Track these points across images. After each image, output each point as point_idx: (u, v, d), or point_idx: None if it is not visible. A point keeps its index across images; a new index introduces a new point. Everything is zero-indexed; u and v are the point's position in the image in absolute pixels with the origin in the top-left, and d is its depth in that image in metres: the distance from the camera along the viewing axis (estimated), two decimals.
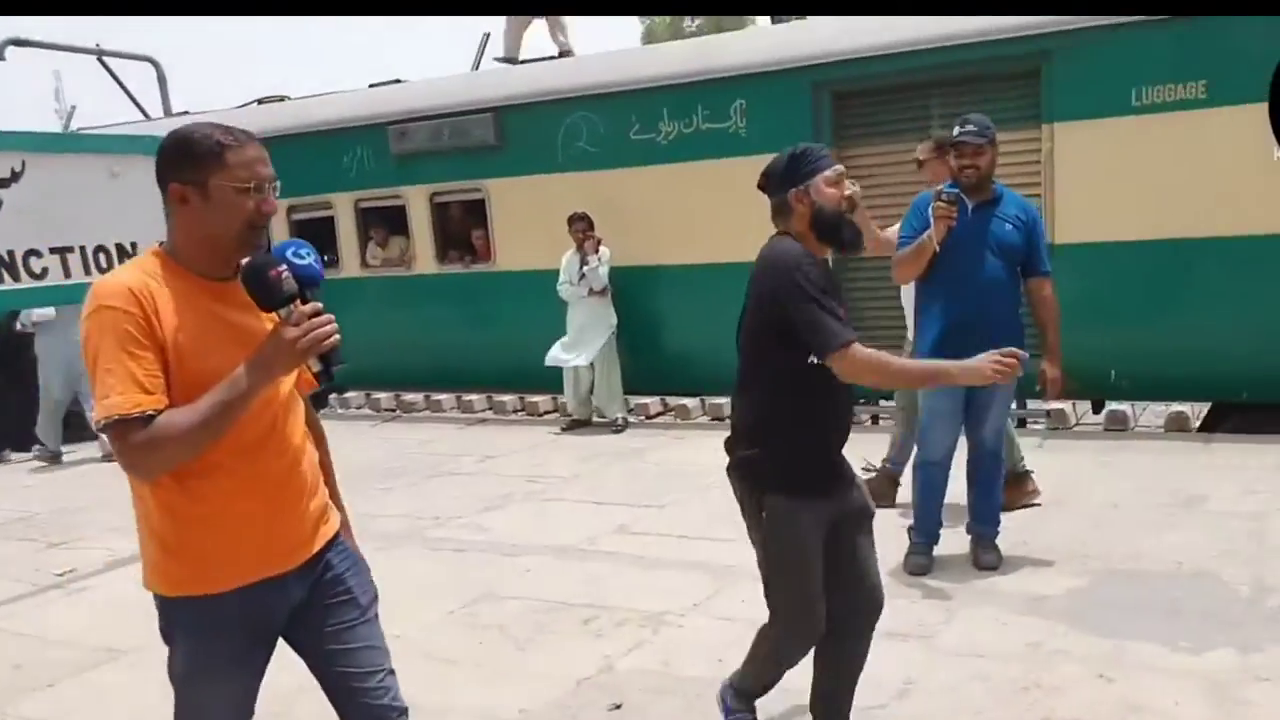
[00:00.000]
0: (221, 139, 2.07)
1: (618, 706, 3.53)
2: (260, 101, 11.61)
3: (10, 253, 5.23)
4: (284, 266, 1.99)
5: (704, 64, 8.07)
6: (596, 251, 8.10)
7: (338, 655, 2.26)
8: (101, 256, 5.63)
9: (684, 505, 5.77)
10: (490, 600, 4.60)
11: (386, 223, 10.15)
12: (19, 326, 9.07)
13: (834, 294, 2.72)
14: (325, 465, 2.41)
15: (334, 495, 2.41)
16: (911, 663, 3.64)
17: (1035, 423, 7.31)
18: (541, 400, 9.56)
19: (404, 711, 2.32)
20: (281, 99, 11.45)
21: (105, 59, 13.98)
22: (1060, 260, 6.88)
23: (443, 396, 10.12)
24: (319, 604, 2.24)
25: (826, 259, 2.89)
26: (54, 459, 8.83)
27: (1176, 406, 7.19)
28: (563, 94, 8.73)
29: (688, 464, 6.79)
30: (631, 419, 8.58)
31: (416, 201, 9.68)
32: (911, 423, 5.29)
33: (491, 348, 9.40)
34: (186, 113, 13.24)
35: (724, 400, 8.63)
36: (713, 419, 8.61)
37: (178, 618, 2.14)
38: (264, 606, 2.17)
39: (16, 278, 5.27)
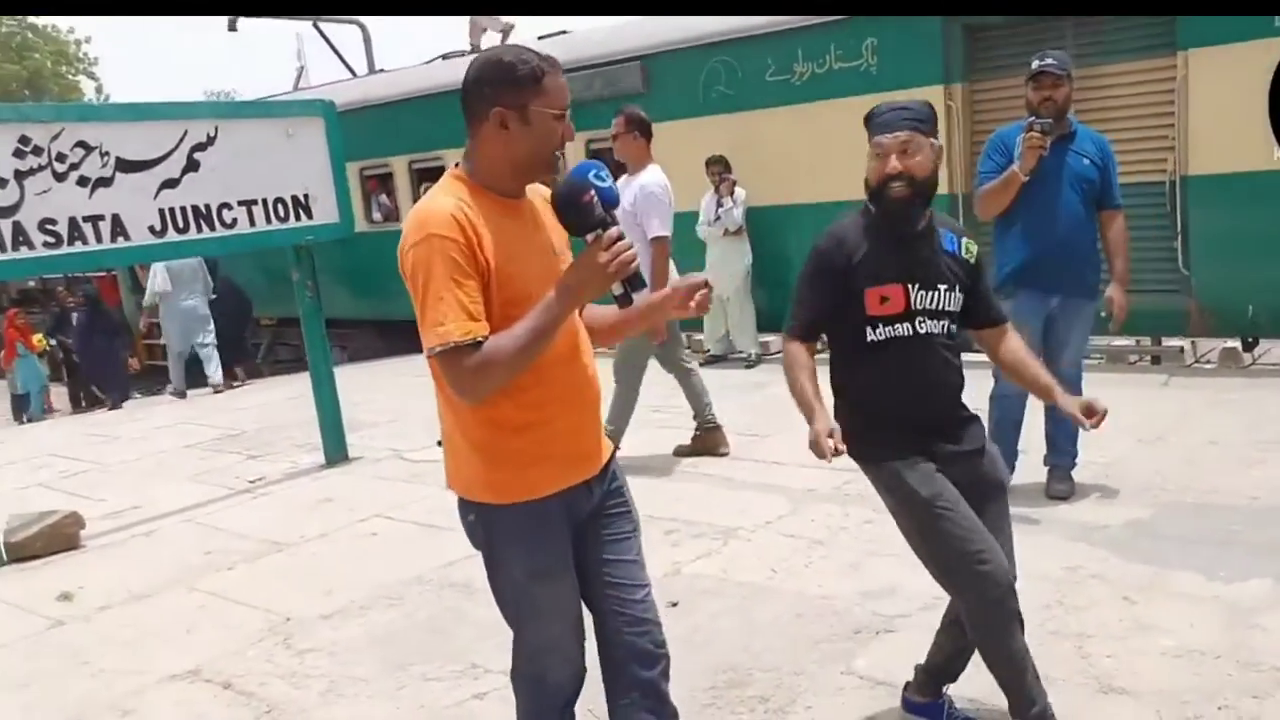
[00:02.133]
0: (539, 64, 2.09)
1: (674, 604, 3.93)
2: (444, 56, 12.38)
3: (207, 206, 6.00)
4: (593, 191, 2.03)
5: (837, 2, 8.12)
6: (732, 193, 8.39)
7: (610, 565, 2.30)
8: (280, 207, 6.35)
9: (785, 435, 6.02)
10: None
11: None
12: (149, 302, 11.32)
13: (842, 278, 2.58)
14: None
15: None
16: None
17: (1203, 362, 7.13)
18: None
19: (660, 628, 2.36)
20: (464, 53, 12.21)
21: (320, 24, 15.09)
22: (1195, 192, 6.72)
23: None
24: (603, 512, 2.31)
25: (896, 228, 2.64)
26: (181, 396, 10.66)
27: None
28: (703, 40, 8.98)
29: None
30: (770, 356, 8.87)
31: (576, 147, 10.17)
32: (633, 388, 5.85)
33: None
34: (383, 70, 14.22)
35: None
36: None
37: (507, 525, 2.19)
38: (576, 509, 2.25)
39: (213, 228, 6.06)
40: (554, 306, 2.03)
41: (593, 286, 2.04)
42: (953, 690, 2.93)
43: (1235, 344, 7.28)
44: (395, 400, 8.42)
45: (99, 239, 5.61)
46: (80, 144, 5.54)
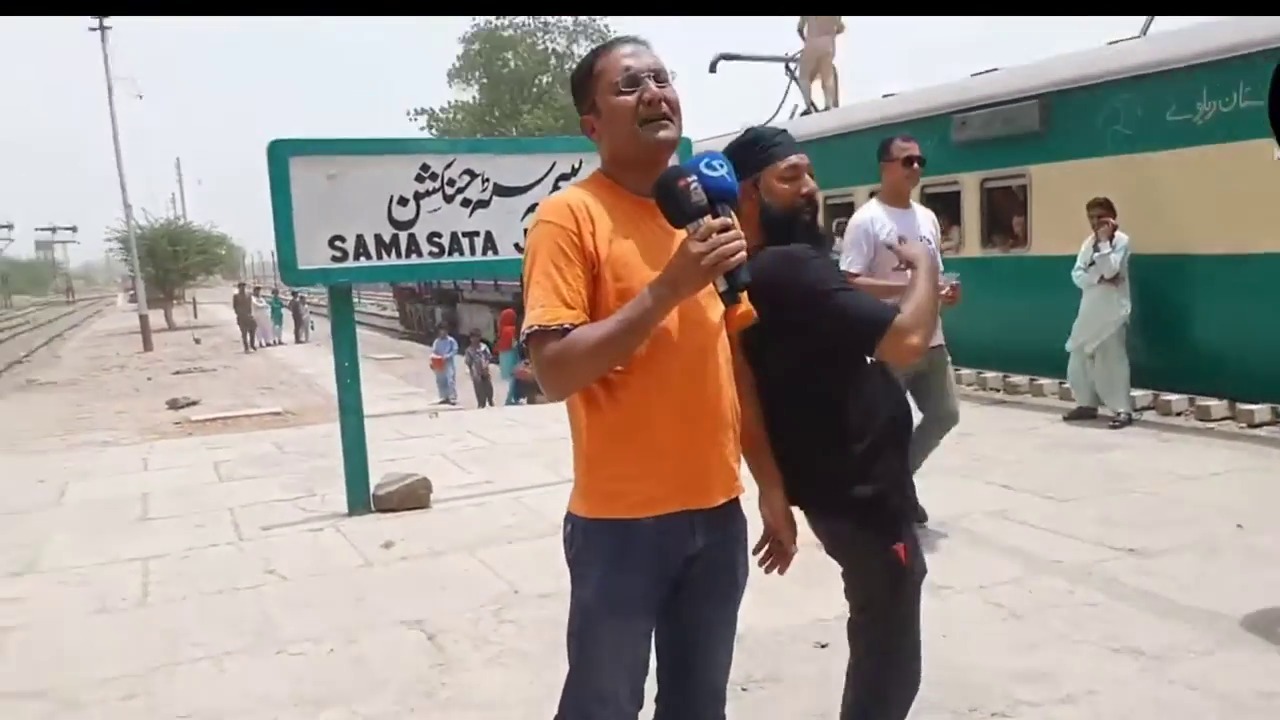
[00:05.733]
0: (591, 54, 2.08)
1: (823, 646, 3.99)
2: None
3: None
4: (693, 178, 1.89)
5: (1248, 36, 7.29)
6: (1111, 238, 7.83)
7: (700, 627, 2.17)
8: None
9: (1085, 503, 5.68)
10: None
11: (945, 209, 10.63)
12: None
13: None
14: (750, 420, 2.27)
15: (760, 452, 2.32)
16: None
17: None
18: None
19: (723, 704, 2.26)
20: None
21: (791, 66, 15.87)
22: None
23: (990, 375, 10.36)
24: (707, 564, 2.12)
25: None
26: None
27: None
28: (1105, 78, 8.48)
29: (1144, 468, 6.49)
30: (1147, 416, 8.13)
31: (969, 187, 10.02)
32: None
33: (1020, 329, 9.47)
34: (806, 110, 14.73)
35: (1254, 407, 7.80)
36: (1244, 425, 7.80)
37: (596, 543, 2.06)
38: (674, 543, 2.06)
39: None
40: (646, 299, 1.87)
41: (688, 279, 1.86)
42: None
43: None
44: None
45: (472, 251, 6.66)
46: (467, 171, 6.62)
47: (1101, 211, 7.88)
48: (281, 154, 6.15)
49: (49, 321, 51.50)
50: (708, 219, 1.86)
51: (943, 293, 4.88)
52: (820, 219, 2.52)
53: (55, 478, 7.91)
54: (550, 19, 43.95)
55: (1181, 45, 7.93)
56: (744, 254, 1.86)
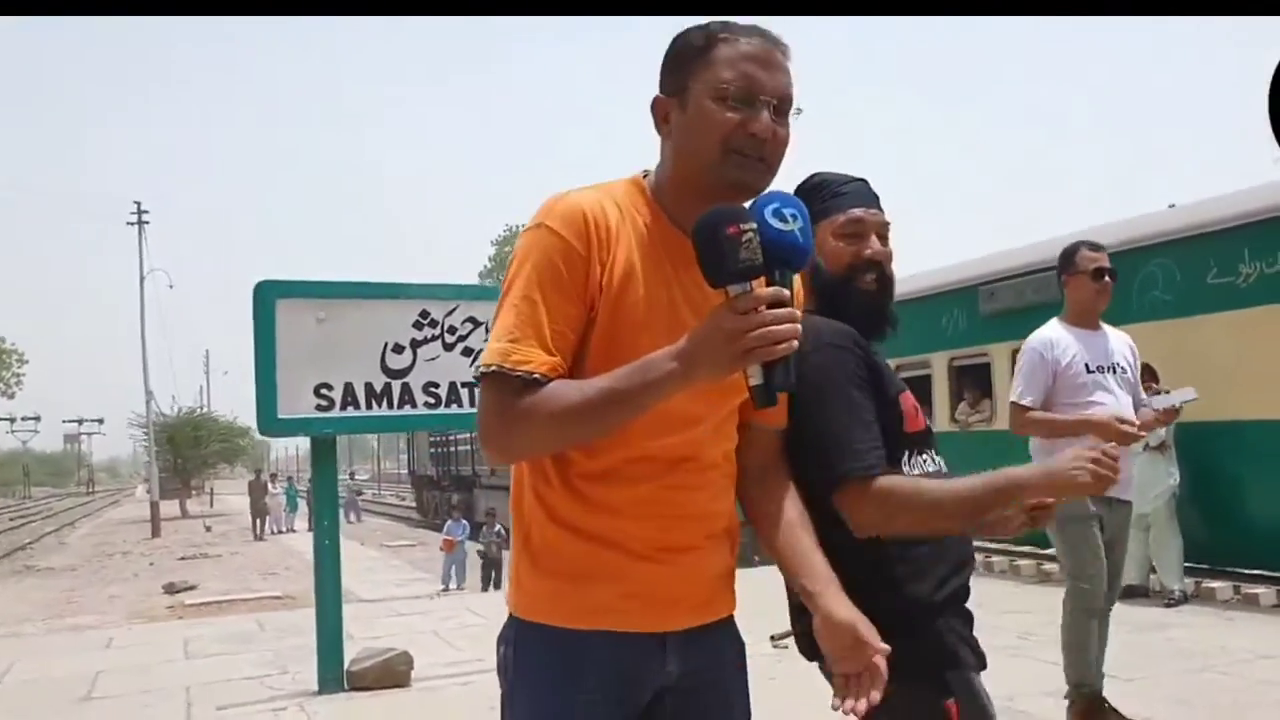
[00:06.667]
0: (717, 29, 1.55)
1: None
2: None
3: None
4: (752, 225, 1.38)
5: None
6: None
7: None
8: None
9: (1155, 682, 5.01)
10: None
11: (976, 382, 10.24)
12: None
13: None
14: (798, 529, 1.70)
15: (806, 570, 1.66)
16: None
17: None
18: None
19: None
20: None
21: None
22: None
23: (1024, 561, 9.66)
24: (685, 700, 1.63)
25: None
26: None
27: None
28: (1140, 243, 8.21)
29: (1214, 646, 5.83)
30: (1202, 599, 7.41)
31: (1001, 357, 9.62)
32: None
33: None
34: None
35: None
36: None
37: (529, 656, 1.61)
38: (634, 669, 1.59)
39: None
40: (649, 371, 1.41)
41: (711, 359, 1.37)
42: None
43: None
44: None
45: (472, 403, 6.15)
46: (470, 319, 6.21)
47: (1144, 377, 7.41)
48: (268, 296, 5.79)
49: (64, 510, 51.01)
50: (757, 284, 1.38)
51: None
52: (891, 297, 1.98)
53: (1, 657, 7.22)
54: None
55: (1220, 209, 7.68)
56: (795, 343, 1.36)
